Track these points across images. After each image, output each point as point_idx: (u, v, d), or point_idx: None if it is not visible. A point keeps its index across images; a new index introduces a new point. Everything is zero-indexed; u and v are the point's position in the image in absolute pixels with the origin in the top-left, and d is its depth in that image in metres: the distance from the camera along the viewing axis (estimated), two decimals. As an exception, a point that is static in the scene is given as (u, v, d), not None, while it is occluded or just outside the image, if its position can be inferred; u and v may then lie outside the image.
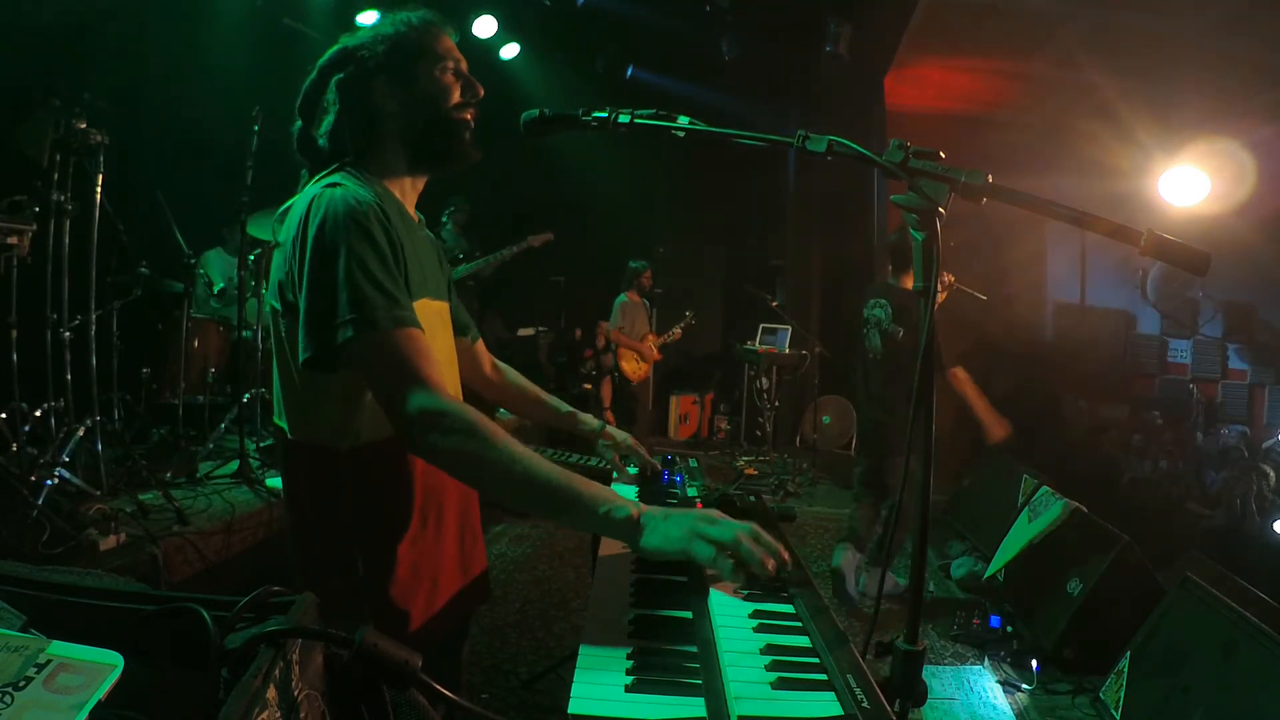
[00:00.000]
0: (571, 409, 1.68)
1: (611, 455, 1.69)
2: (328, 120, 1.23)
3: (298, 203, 1.13)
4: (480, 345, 1.59)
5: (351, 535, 1.15)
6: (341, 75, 1.22)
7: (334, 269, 1.05)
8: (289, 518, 1.25)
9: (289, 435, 1.18)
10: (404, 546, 1.17)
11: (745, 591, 1.04)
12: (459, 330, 1.48)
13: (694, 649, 0.89)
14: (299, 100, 1.25)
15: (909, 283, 3.47)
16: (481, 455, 0.99)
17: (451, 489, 1.26)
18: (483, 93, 1.27)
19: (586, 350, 7.27)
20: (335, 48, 1.24)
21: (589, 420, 1.68)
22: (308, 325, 1.06)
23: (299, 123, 1.26)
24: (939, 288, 0.93)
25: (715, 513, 1.00)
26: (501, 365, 1.66)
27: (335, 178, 1.15)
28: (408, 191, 1.28)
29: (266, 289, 1.84)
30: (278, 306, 1.13)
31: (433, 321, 1.25)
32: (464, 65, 1.26)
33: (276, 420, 1.21)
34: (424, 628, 1.19)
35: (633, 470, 1.69)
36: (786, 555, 0.99)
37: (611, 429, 1.70)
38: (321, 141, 1.23)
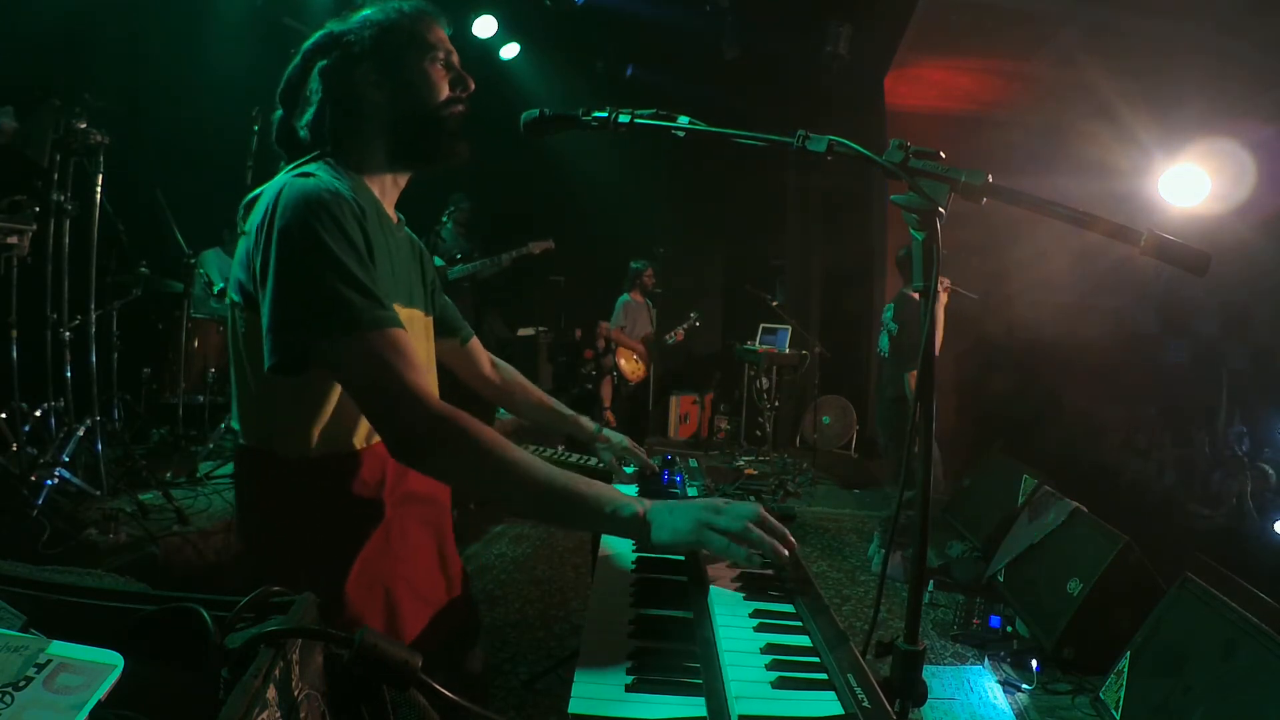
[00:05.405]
0: (573, 413, 1.67)
1: (609, 458, 1.70)
2: (309, 110, 1.15)
3: (267, 190, 1.04)
4: (475, 344, 1.54)
5: (297, 550, 1.08)
6: (326, 61, 1.14)
7: (305, 267, 0.96)
8: (237, 526, 1.23)
9: (240, 440, 1.11)
10: (356, 567, 1.08)
11: (744, 591, 1.03)
12: (449, 331, 1.46)
13: (694, 649, 0.89)
14: (280, 87, 1.17)
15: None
16: (480, 466, 0.97)
17: (413, 509, 1.18)
18: (474, 87, 1.20)
19: (586, 350, 7.27)
20: (321, 32, 1.16)
21: (587, 424, 1.68)
22: (274, 329, 0.96)
23: (279, 111, 1.18)
24: (939, 290, 0.94)
25: (720, 500, 1.01)
26: (500, 364, 1.62)
27: (309, 168, 1.07)
28: (388, 189, 1.20)
29: None
30: (237, 300, 1.05)
31: (409, 329, 1.23)
32: (455, 58, 1.20)
33: (233, 423, 1.15)
34: None
35: (629, 470, 1.71)
36: (793, 541, 1.00)
37: (608, 432, 1.71)
38: (302, 133, 1.16)
